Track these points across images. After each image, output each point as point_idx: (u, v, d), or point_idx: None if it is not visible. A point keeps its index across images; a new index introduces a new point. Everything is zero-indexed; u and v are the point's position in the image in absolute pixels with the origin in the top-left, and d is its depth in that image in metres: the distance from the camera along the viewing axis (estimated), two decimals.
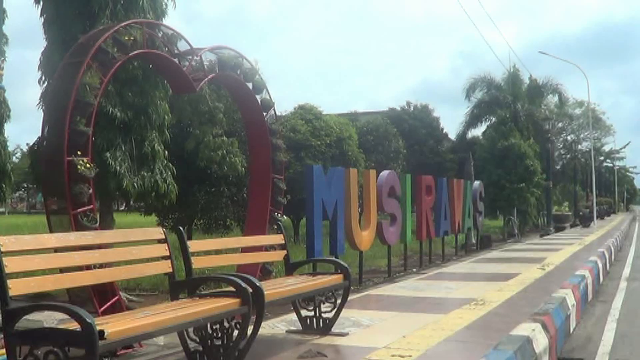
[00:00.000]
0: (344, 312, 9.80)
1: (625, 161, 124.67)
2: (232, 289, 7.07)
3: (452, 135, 62.64)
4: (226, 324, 6.92)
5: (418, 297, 13.26)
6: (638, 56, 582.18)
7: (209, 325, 6.88)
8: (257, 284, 7.17)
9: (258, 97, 13.79)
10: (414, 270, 19.59)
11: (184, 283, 7.51)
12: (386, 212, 18.34)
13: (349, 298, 10.93)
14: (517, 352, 7.65)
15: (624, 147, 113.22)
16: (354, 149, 35.04)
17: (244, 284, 6.98)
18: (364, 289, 14.80)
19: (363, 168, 30.24)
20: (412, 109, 64.43)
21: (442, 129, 66.17)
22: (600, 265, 19.56)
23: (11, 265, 5.34)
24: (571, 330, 11.91)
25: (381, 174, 18.28)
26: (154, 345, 8.66)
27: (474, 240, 29.83)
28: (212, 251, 8.79)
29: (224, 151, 16.73)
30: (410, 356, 7.73)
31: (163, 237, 7.34)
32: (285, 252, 9.78)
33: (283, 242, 9.85)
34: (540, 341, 8.74)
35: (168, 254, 7.30)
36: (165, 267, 7.31)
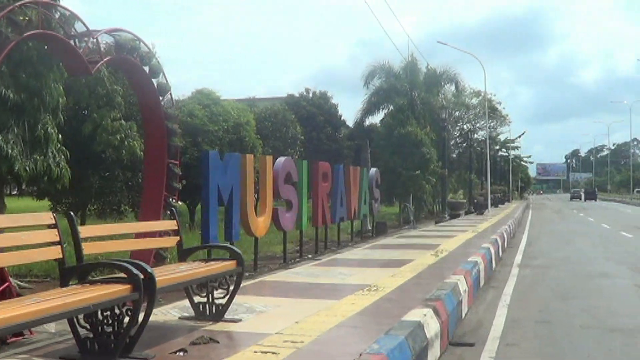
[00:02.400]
0: (238, 299, 9.79)
1: (520, 150, 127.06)
2: (123, 275, 7.01)
3: (350, 123, 63.00)
4: (117, 311, 6.85)
5: (312, 283, 13.32)
6: (534, 48, 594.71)
7: (99, 312, 6.79)
8: (149, 270, 7.11)
9: (154, 81, 13.63)
10: (310, 256, 19.67)
11: (74, 269, 7.38)
12: (282, 198, 18.38)
13: (244, 284, 10.92)
14: (408, 337, 7.74)
15: (519, 136, 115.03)
16: (252, 135, 35.06)
17: (135, 270, 6.92)
18: (259, 275, 14.80)
19: (260, 154, 30.30)
20: (310, 95, 64.64)
21: (340, 116, 66.57)
22: (492, 252, 19.90)
23: None
24: (463, 315, 12.10)
25: (278, 160, 18.31)
26: (45, 332, 8.53)
27: (369, 227, 30.07)
28: (106, 237, 8.69)
29: (122, 135, 16.57)
30: (303, 342, 7.76)
31: (53, 222, 7.22)
32: (178, 238, 9.70)
33: (176, 228, 9.76)
34: (432, 326, 8.86)
35: (58, 239, 7.17)
36: (55, 253, 7.18)
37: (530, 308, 13.45)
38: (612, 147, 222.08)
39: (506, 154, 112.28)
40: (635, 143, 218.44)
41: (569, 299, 14.62)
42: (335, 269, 15.67)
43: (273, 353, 7.21)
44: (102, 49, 12.08)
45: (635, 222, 48.45)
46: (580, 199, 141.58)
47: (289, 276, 14.48)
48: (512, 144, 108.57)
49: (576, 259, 22.92)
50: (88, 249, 7.58)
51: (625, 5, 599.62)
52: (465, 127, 72.57)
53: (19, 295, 8.76)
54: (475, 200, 57.87)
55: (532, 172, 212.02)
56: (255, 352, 7.31)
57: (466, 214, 53.72)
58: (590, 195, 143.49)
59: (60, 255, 7.18)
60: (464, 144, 72.18)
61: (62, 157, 13.47)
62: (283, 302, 10.85)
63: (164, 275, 7.93)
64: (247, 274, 14.17)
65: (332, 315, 9.42)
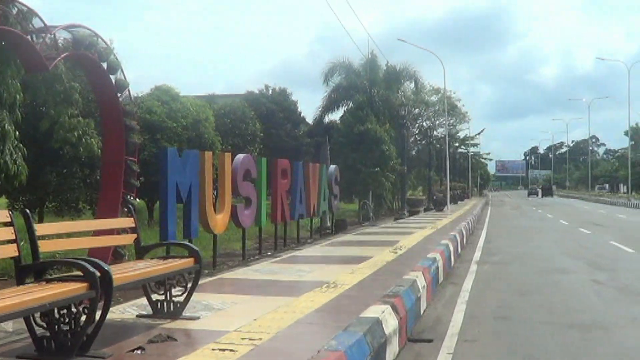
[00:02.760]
0: (197, 296, 9.77)
1: (479, 147, 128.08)
2: (79, 273, 6.96)
3: (310, 119, 62.97)
4: (74, 309, 6.80)
5: (271, 280, 13.31)
6: (494, 46, 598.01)
7: (56, 311, 6.74)
8: (105, 268, 7.06)
9: (112, 77, 13.57)
10: (269, 253, 19.65)
11: (31, 267, 7.31)
12: (241, 195, 18.32)
13: (203, 282, 10.91)
14: (366, 334, 7.75)
15: (479, 134, 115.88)
16: (211, 132, 34.95)
17: (91, 268, 6.87)
18: (218, 273, 14.76)
19: (220, 151, 30.14)
20: (270, 92, 64.59)
21: (300, 113, 66.57)
22: (451, 248, 19.99)
23: None
24: (422, 311, 12.14)
25: (237, 157, 18.26)
26: (2, 331, 8.44)
27: (329, 224, 30.08)
28: (64, 235, 8.62)
29: (80, 132, 16.41)
30: (261, 339, 7.75)
31: (9, 219, 7.14)
32: (135, 235, 9.63)
33: (134, 225, 9.70)
34: (390, 322, 8.87)
35: (14, 237, 7.09)
36: (11, 251, 7.11)
37: (488, 304, 13.52)
38: (571, 145, 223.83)
39: (465, 151, 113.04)
40: (593, 140, 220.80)
41: (527, 294, 14.73)
42: (295, 266, 15.66)
43: (231, 350, 7.19)
44: (59, 45, 11.99)
45: (593, 219, 48.93)
46: (538, 195, 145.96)
47: (247, 273, 14.45)
48: (471, 141, 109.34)
49: (534, 255, 23.09)
50: (45, 246, 7.52)
51: (583, 5, 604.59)
52: (424, 124, 72.96)
53: None
54: (435, 197, 58.22)
55: (492, 169, 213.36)
56: (213, 349, 7.28)
57: (425, 210, 54.00)
58: (547, 192, 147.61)
59: (17, 254, 7.11)
60: (424, 141, 72.58)
61: (20, 154, 13.35)
62: (241, 299, 10.82)
63: (121, 272, 7.88)
64: (206, 271, 14.16)
65: (290, 312, 9.42)
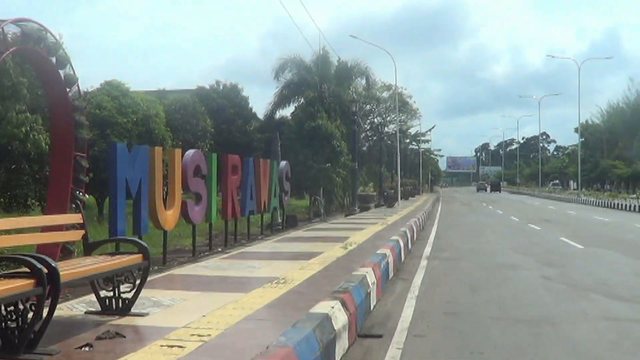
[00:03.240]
0: (146, 292, 9.74)
1: (430, 144, 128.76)
2: (26, 269, 6.90)
3: (261, 115, 62.82)
4: (21, 306, 6.73)
5: (221, 276, 13.27)
6: (446, 42, 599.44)
7: (2, 307, 6.67)
8: (53, 265, 7.00)
9: (61, 72, 13.46)
10: (220, 249, 19.60)
11: None
12: (192, 191, 18.26)
13: (152, 278, 10.86)
14: (315, 330, 7.76)
15: (430, 130, 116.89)
16: (161, 127, 34.80)
17: (38, 264, 6.81)
18: (168, 269, 14.70)
19: (170, 146, 30.11)
20: (221, 87, 64.29)
21: (251, 109, 66.33)
22: (402, 244, 20.09)
23: None
24: (372, 307, 12.19)
25: (187, 153, 18.18)
26: None
27: (280, 220, 30.01)
28: (12, 231, 8.54)
29: (28, 128, 16.27)
30: (210, 335, 7.74)
31: None
32: (83, 231, 9.57)
33: (82, 221, 9.63)
34: (340, 318, 8.90)
35: None
36: None
37: (438, 300, 13.62)
38: (521, 141, 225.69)
39: (417, 147, 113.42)
40: (544, 137, 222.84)
41: (476, 290, 14.84)
42: (245, 262, 15.62)
43: (179, 347, 7.17)
44: (8, 39, 11.86)
45: (543, 215, 49.39)
46: (486, 191, 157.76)
47: (197, 269, 14.40)
48: (422, 138, 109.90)
49: (484, 251, 23.29)
50: None
51: (534, 3, 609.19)
52: (375, 120, 73.11)
53: None
54: (386, 193, 58.31)
55: (443, 165, 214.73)
56: (162, 346, 7.26)
57: (376, 206, 54.12)
58: (495, 187, 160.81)
59: None
60: (375, 138, 72.70)
61: None
62: (191, 295, 10.78)
63: (69, 269, 7.82)
64: (155, 267, 14.13)
65: (239, 309, 9.41)
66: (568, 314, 12.07)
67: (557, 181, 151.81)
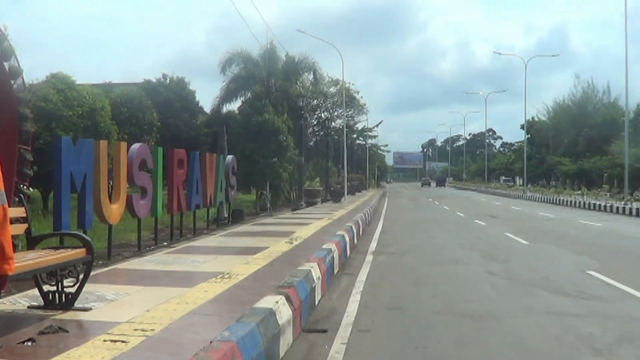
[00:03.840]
0: (90, 287, 9.68)
1: (377, 139, 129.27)
2: None
3: (208, 109, 62.61)
4: None
5: (166, 271, 13.22)
6: (394, 38, 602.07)
7: None
8: None
9: (6, 64, 13.28)
10: (165, 244, 19.51)
11: None
12: (137, 185, 18.14)
13: (96, 272, 10.79)
14: (259, 324, 7.77)
15: (377, 125, 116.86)
16: (107, 121, 34.51)
17: None
18: (113, 263, 14.60)
19: (116, 140, 29.82)
20: (168, 81, 63.91)
21: (198, 103, 66.03)
22: (347, 239, 20.15)
23: None
24: (316, 302, 12.21)
25: (132, 146, 18.06)
26: None
27: (226, 214, 29.98)
28: None
29: None
30: (153, 330, 7.72)
31: None
32: (27, 225, 9.49)
33: (24, 214, 9.55)
34: (284, 313, 8.92)
35: None
36: None
37: (383, 294, 13.68)
38: (468, 137, 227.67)
39: (364, 142, 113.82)
40: (490, 133, 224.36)
41: (421, 285, 14.93)
42: (190, 256, 15.57)
43: (123, 342, 7.14)
44: None
45: (489, 211, 49.82)
46: (430, 186, 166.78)
47: (142, 264, 14.32)
48: (369, 133, 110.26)
49: (430, 246, 23.44)
50: None
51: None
52: (323, 115, 73.19)
53: None
54: (332, 188, 58.45)
55: (389, 160, 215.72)
56: (105, 340, 7.22)
57: (323, 201, 54.22)
58: (440, 183, 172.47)
59: None
60: (322, 132, 72.82)
61: None
62: (135, 290, 10.72)
63: None
64: (100, 262, 14.03)
65: (183, 303, 9.39)
66: (512, 309, 12.18)
67: (509, 177, 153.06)
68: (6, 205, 6.05)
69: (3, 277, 6.73)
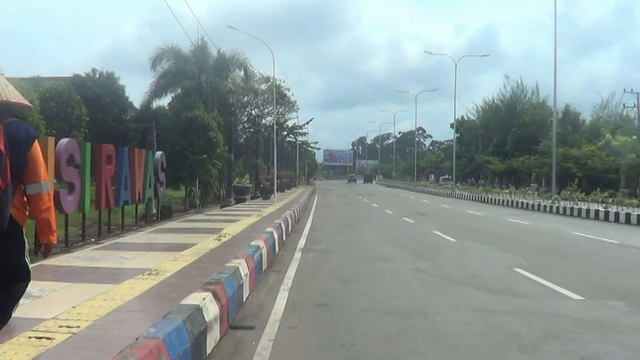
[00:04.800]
0: None
1: (307, 136, 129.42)
2: None
3: (138, 105, 62.24)
4: None
5: (92, 267, 13.09)
6: (325, 35, 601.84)
7: None
8: None
9: None
10: (92, 240, 19.37)
11: None
12: (65, 180, 17.97)
13: None
14: (186, 321, 7.76)
15: (307, 123, 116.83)
16: (35, 115, 34.11)
17: None
18: (39, 259, 14.42)
19: (44, 135, 29.45)
20: (97, 76, 63.44)
21: (128, 98, 65.67)
22: (276, 236, 20.17)
23: None
24: (244, 299, 12.22)
25: (60, 142, 17.89)
26: None
27: (154, 211, 29.85)
28: None
29: None
30: (79, 327, 7.66)
31: None
32: None
33: None
34: (211, 310, 8.91)
35: None
36: None
37: (311, 291, 13.72)
38: (398, 136, 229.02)
39: (294, 139, 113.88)
40: (420, 132, 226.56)
41: (349, 282, 14.99)
42: (117, 252, 15.44)
43: (48, 338, 7.08)
44: None
45: (418, 208, 50.14)
46: (355, 182, 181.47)
47: (68, 260, 14.14)
48: (299, 130, 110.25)
49: (358, 243, 23.53)
50: None
51: None
52: (253, 112, 73.11)
53: None
54: (262, 185, 58.39)
55: (320, 158, 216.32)
56: (30, 337, 7.15)
57: (252, 198, 54.18)
58: (368, 179, 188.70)
59: None
60: (252, 129, 72.69)
61: None
62: (61, 286, 10.60)
63: None
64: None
65: (110, 300, 9.32)
66: (439, 306, 12.29)
67: (448, 176, 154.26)
68: (51, 191, 6.64)
69: (49, 245, 6.87)
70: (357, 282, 15.03)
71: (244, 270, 12.60)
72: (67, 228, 18.25)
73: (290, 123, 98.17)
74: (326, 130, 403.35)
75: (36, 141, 6.54)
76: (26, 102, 6.74)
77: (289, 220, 27.66)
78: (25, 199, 6.52)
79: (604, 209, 41.28)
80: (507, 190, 68.46)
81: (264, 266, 16.27)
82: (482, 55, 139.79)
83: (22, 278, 6.54)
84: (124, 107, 63.24)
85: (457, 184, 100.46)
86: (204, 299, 8.98)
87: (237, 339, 9.54)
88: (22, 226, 6.47)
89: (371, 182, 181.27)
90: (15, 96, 6.49)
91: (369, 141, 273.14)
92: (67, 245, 17.71)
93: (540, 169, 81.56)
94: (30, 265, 6.52)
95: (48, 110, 40.68)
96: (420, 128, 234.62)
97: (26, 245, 6.60)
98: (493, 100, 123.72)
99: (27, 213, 6.64)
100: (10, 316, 6.47)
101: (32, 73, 62.36)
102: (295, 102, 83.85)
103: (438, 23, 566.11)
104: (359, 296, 13.21)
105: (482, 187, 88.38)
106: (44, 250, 6.82)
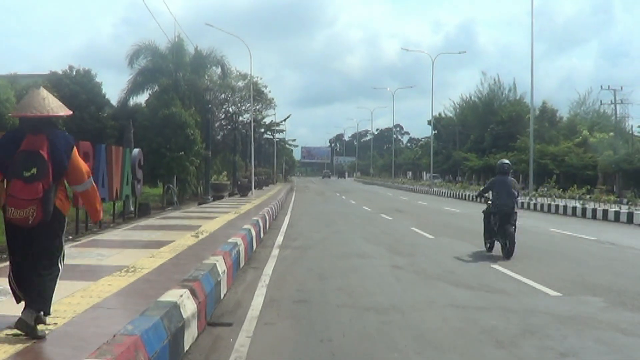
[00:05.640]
0: None
1: (285, 134, 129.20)
2: None
3: (115, 102, 61.99)
4: None
5: (70, 264, 12.91)
6: (302, 32, 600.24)
7: None
8: None
9: None
10: (70, 237, 19.25)
11: None
12: None
13: (0, 266, 10.61)
14: (163, 318, 7.78)
15: (285, 120, 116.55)
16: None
17: None
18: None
19: None
20: (74, 73, 63.11)
21: (105, 95, 65.31)
22: (254, 233, 20.20)
23: None
24: (222, 296, 12.24)
25: None
26: None
27: (132, 208, 29.75)
28: None
29: None
30: (56, 324, 7.66)
31: None
32: None
33: None
34: (189, 307, 8.93)
35: None
36: None
37: (288, 288, 13.76)
38: (375, 132, 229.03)
39: (271, 136, 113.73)
40: (397, 129, 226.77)
41: (326, 279, 15.05)
42: (95, 250, 15.40)
43: (25, 336, 7.08)
44: None
45: (395, 205, 50.26)
46: (330, 177, 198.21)
47: None
48: (277, 127, 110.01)
49: (336, 240, 23.59)
50: None
51: None
52: (230, 109, 72.86)
53: None
54: (239, 182, 58.32)
55: (297, 155, 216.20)
56: (8, 334, 7.16)
57: (230, 195, 54.11)
58: (342, 175, 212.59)
59: None
60: (229, 126, 72.50)
61: None
62: None
63: None
64: (4, 255, 13.80)
65: (87, 297, 9.32)
66: (416, 302, 12.37)
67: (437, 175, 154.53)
68: (94, 185, 7.96)
69: (98, 220, 8.21)
70: (335, 278, 15.09)
71: (221, 267, 12.62)
72: None
73: (267, 120, 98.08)
74: (304, 127, 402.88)
75: (74, 147, 7.60)
76: (67, 111, 7.67)
77: (267, 217, 27.70)
78: (68, 193, 7.62)
79: (581, 206, 41.56)
80: None
81: (242, 263, 16.29)
82: (459, 52, 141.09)
83: (56, 256, 7.49)
84: (101, 105, 62.76)
85: (435, 181, 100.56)
86: (182, 295, 8.99)
87: (215, 335, 9.57)
88: (64, 215, 7.55)
89: (344, 178, 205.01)
90: (56, 106, 7.44)
91: (346, 138, 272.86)
92: None
93: (517, 165, 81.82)
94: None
95: None
96: (398, 125, 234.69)
97: (65, 228, 7.60)
98: (470, 97, 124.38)
99: (70, 204, 7.73)
100: (45, 299, 7.38)
101: (8, 70, 61.84)
102: (273, 99, 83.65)
103: (415, 20, 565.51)
104: (337, 293, 13.27)
105: (459, 184, 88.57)
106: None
